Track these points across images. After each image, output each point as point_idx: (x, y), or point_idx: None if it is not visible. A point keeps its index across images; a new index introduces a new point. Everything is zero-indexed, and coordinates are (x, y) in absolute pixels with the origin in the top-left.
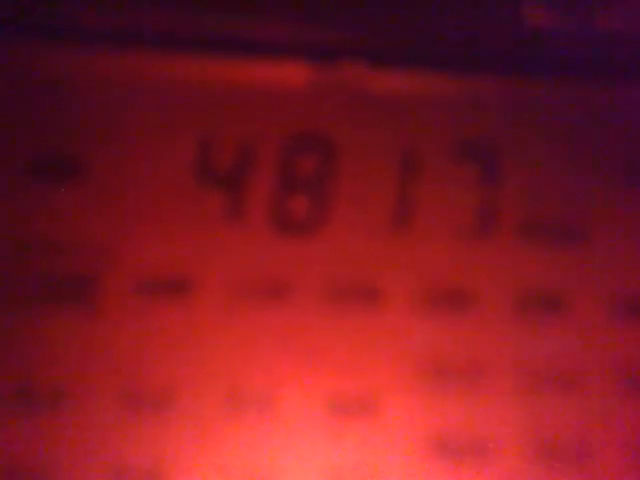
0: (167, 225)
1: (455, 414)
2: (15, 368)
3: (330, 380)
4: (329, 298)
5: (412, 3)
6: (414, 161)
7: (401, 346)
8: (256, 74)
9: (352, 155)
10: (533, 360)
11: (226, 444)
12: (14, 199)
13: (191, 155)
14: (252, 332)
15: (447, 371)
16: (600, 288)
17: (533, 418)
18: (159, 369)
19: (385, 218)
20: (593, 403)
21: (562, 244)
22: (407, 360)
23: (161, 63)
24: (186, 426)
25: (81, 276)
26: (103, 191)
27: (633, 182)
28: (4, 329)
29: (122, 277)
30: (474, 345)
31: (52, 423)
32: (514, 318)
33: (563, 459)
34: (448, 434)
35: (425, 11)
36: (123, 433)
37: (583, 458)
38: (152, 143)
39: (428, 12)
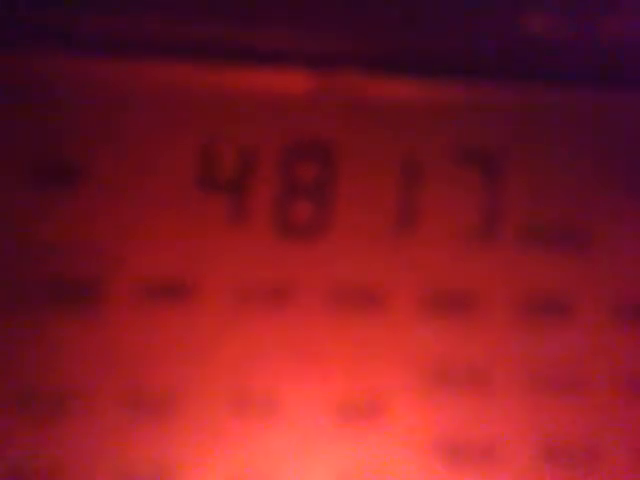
0: (170, 230)
1: (461, 417)
2: (18, 372)
3: (335, 384)
4: (333, 302)
5: (411, 11)
6: (415, 166)
7: (406, 349)
8: (257, 81)
9: (354, 161)
10: (539, 363)
11: (231, 448)
12: (15, 203)
13: (193, 160)
14: (256, 337)
15: (453, 374)
16: (604, 292)
17: (539, 421)
18: (163, 373)
19: (388, 222)
20: (599, 407)
21: (565, 248)
22: (413, 363)
23: (162, 70)
24: (191, 430)
25: (84, 280)
26: (106, 196)
27: (635, 186)
28: (7, 333)
29: (125, 281)
30: (479, 348)
31: (56, 427)
32: (519, 321)
33: (570, 463)
34: (455, 437)
35: (424, 18)
36: (128, 437)
37: (590, 462)
38: (154, 149)
39: (427, 19)
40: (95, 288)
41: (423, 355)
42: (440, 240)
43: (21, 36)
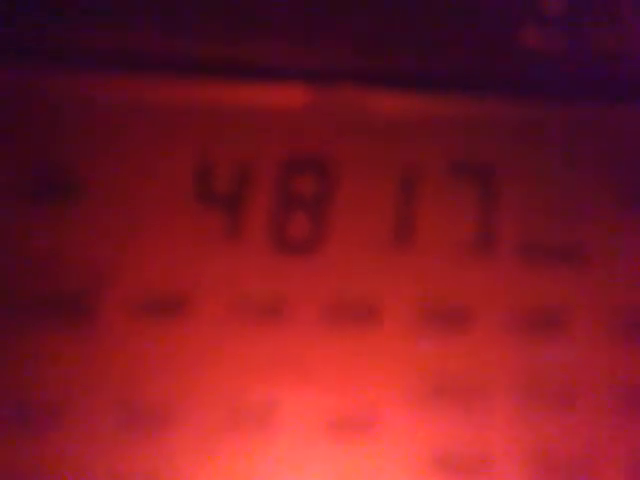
0: (166, 244)
1: (456, 431)
2: (11, 386)
3: (331, 397)
4: (328, 316)
5: (409, 26)
6: (412, 181)
7: (402, 363)
8: (255, 96)
9: (351, 175)
10: (534, 378)
11: (224, 462)
12: (10, 217)
13: (190, 175)
14: (252, 351)
15: (447, 389)
16: (599, 307)
17: (535, 436)
18: (157, 387)
19: (384, 237)
20: (595, 421)
21: (561, 263)
22: (408, 377)
23: (160, 85)
24: (184, 445)
25: (79, 294)
26: (101, 211)
27: (630, 201)
28: (0, 347)
29: (120, 296)
30: (474, 363)
31: (48, 441)
32: (514, 335)
33: (565, 477)
34: (448, 453)
35: (421, 33)
36: (121, 451)
37: (586, 476)
38: (151, 163)
39: (424, 34)
40: (90, 302)
41: (418, 369)
42: (436, 254)
43: (18, 51)
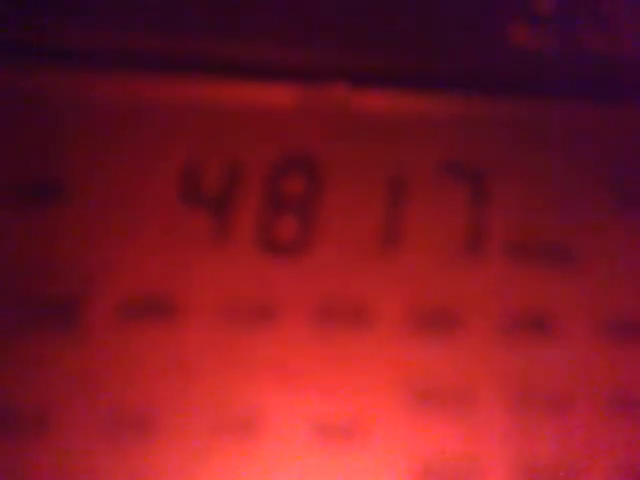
0: (153, 247)
1: (444, 438)
2: None
3: (319, 402)
4: (317, 319)
5: (398, 24)
6: (402, 181)
7: (392, 367)
8: (243, 95)
9: (340, 176)
10: (524, 383)
11: (211, 468)
12: None
13: (177, 177)
14: (240, 355)
15: (437, 393)
16: (590, 310)
17: (523, 441)
18: (143, 392)
19: (374, 238)
20: (583, 426)
21: (551, 264)
22: (397, 381)
23: (147, 85)
24: (172, 449)
25: (64, 299)
26: (87, 213)
27: (623, 203)
28: None
29: (106, 300)
30: (463, 367)
31: (34, 446)
32: (504, 339)
33: None
34: (437, 459)
35: (411, 32)
36: (106, 458)
37: None
38: (137, 165)
39: (414, 33)
40: (76, 306)
41: (408, 373)
42: (426, 256)
43: (4, 51)
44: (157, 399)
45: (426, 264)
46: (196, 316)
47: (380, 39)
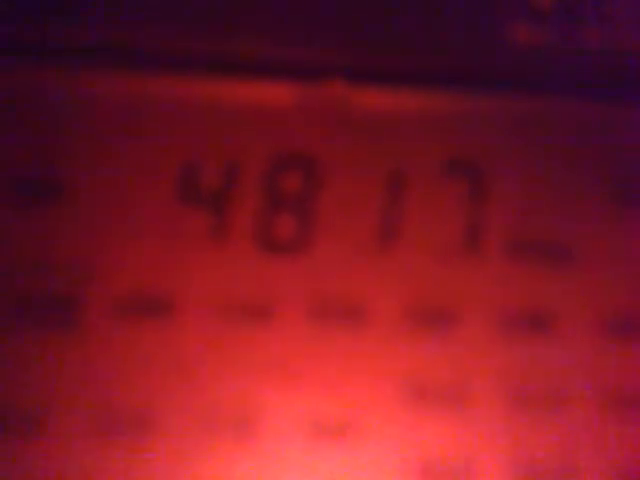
0: (151, 245)
1: (439, 436)
2: None
3: (315, 399)
4: (314, 318)
5: (397, 22)
6: (400, 179)
7: (387, 366)
8: (241, 93)
9: (338, 173)
10: (520, 380)
11: (207, 467)
12: None
13: (175, 174)
14: (235, 353)
15: (433, 391)
16: (587, 307)
17: (518, 439)
18: (139, 390)
19: (372, 236)
20: (580, 424)
21: (549, 263)
22: (393, 380)
23: (145, 83)
24: (166, 448)
25: (62, 297)
26: (86, 212)
27: (621, 200)
28: None
29: (104, 298)
30: (460, 365)
31: (29, 445)
32: (500, 338)
33: None
34: (432, 456)
35: (410, 29)
36: (100, 457)
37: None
38: (136, 162)
39: (413, 30)
40: (73, 304)
41: (406, 370)
42: (424, 254)
43: (3, 50)
44: (155, 397)
45: (424, 262)
46: (194, 314)
47: (379, 36)
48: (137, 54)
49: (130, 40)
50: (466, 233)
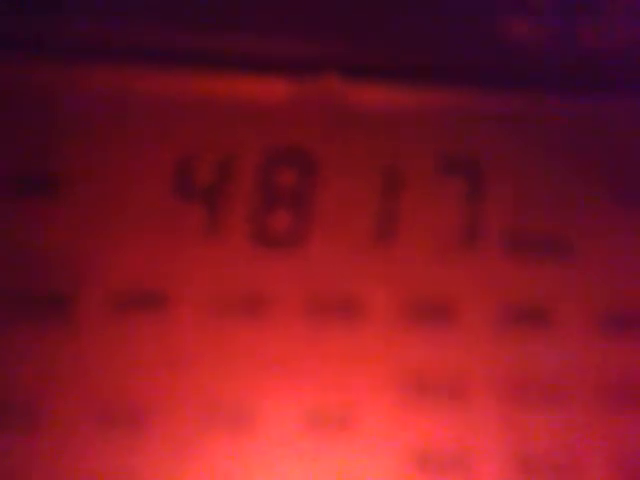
0: (145, 241)
1: (437, 429)
2: None
3: (312, 395)
4: (310, 313)
5: (393, 17)
6: (397, 175)
7: (383, 361)
8: (236, 88)
9: (333, 169)
10: (518, 375)
11: (203, 461)
12: None
13: (170, 169)
14: (231, 348)
15: (430, 386)
16: (586, 302)
17: (517, 433)
18: (136, 385)
19: (367, 233)
20: (578, 418)
21: (547, 258)
22: (389, 375)
23: (140, 78)
24: (162, 444)
25: (56, 292)
26: (80, 207)
27: (619, 196)
28: None
29: (99, 293)
30: (457, 360)
31: (25, 440)
32: (498, 333)
33: (547, 475)
34: (430, 449)
35: (406, 25)
36: (97, 451)
37: (568, 473)
38: (130, 158)
39: (409, 26)
40: (67, 299)
41: (402, 366)
42: (421, 250)
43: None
44: (150, 392)
45: (421, 258)
46: (189, 309)
47: (375, 32)
48: (132, 49)
49: (125, 35)
50: (463, 229)
